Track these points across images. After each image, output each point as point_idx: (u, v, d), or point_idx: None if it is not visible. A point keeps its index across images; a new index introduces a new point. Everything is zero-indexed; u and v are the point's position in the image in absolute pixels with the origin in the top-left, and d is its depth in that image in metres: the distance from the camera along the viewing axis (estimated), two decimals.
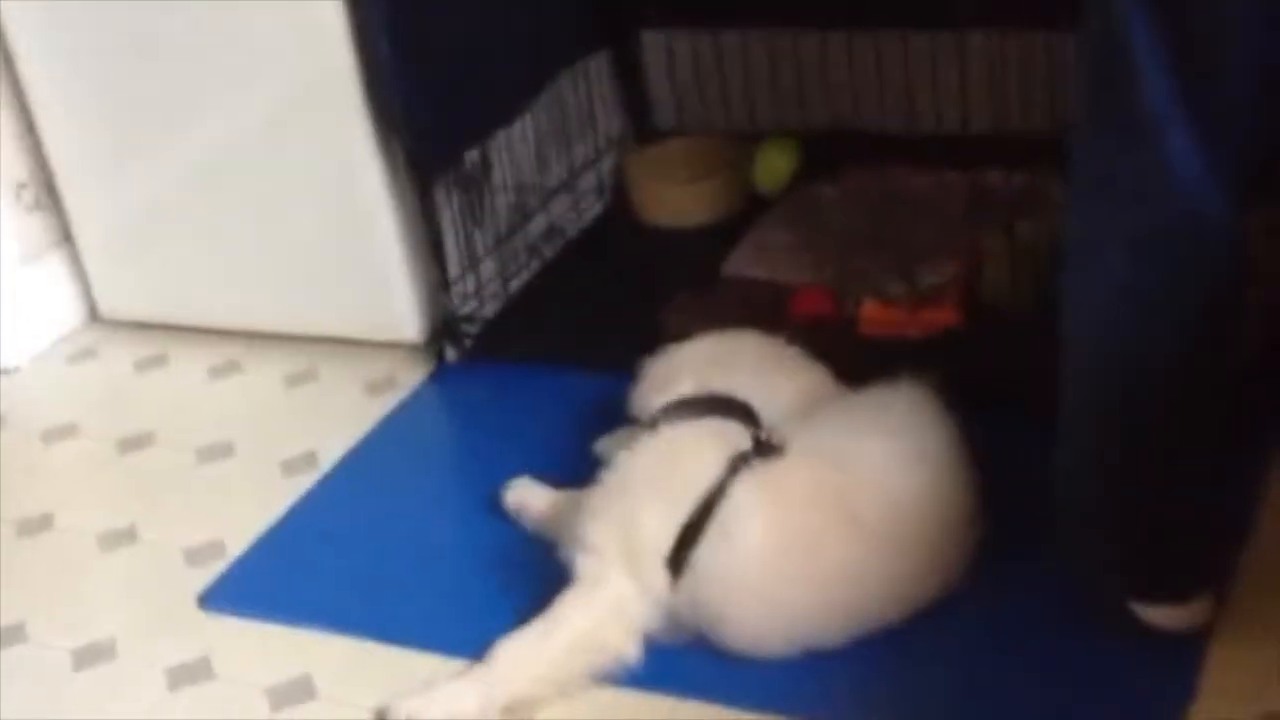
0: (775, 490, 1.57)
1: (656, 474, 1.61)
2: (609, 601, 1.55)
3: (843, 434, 1.64)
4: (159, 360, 2.30)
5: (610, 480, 1.63)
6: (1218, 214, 1.35)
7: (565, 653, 1.54)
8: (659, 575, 1.55)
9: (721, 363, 1.73)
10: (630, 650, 1.55)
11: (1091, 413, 1.47)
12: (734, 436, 1.61)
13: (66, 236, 2.36)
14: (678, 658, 1.58)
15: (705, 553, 1.55)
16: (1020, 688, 1.51)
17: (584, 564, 1.58)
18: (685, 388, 1.69)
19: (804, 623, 1.55)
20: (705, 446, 1.60)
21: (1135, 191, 1.36)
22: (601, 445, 1.84)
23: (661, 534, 1.56)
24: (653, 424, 1.67)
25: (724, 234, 2.24)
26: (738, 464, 1.57)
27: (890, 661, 1.55)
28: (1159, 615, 1.51)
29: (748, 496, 1.56)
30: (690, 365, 1.74)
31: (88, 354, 2.36)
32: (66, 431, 2.17)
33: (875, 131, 2.36)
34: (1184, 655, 1.50)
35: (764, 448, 1.60)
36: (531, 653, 1.55)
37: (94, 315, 2.40)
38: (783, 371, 1.75)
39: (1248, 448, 1.70)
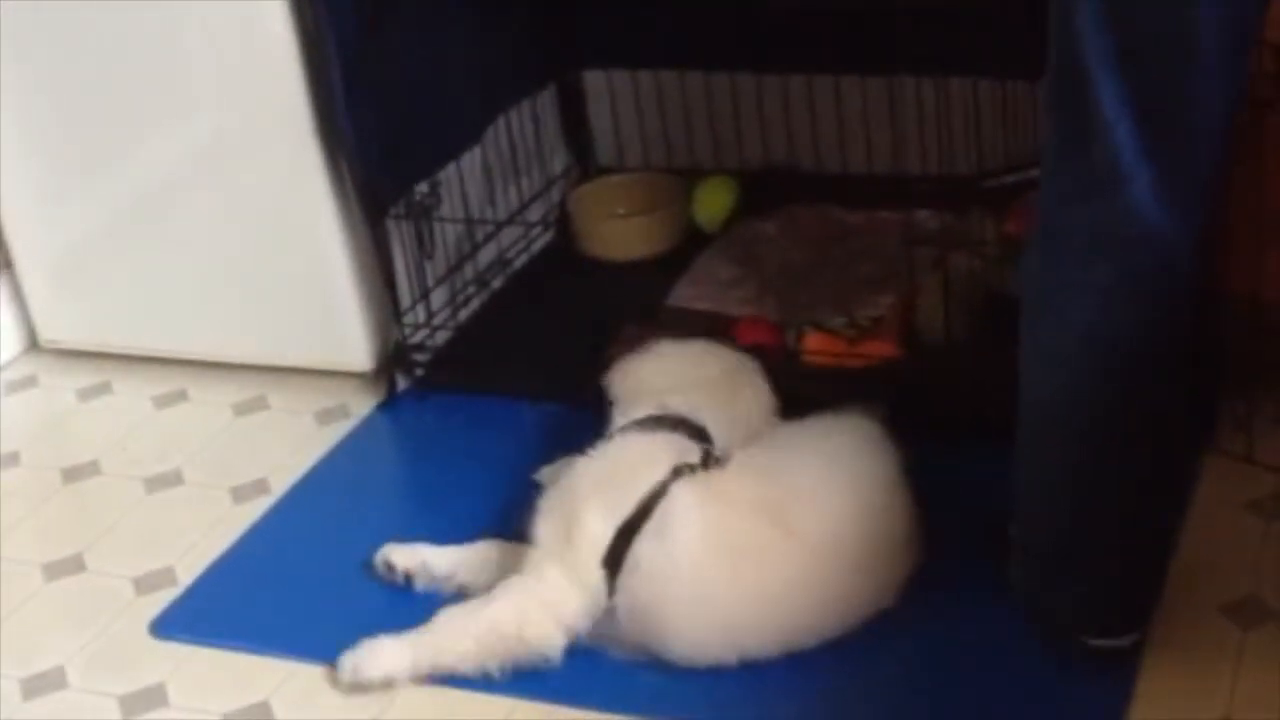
0: (713, 495, 1.62)
1: (603, 476, 1.66)
2: (538, 594, 1.61)
3: (785, 453, 1.70)
4: (102, 389, 2.29)
5: (562, 483, 1.69)
6: (1180, 261, 1.39)
7: (488, 636, 1.61)
8: (595, 572, 1.60)
9: (682, 386, 1.78)
10: (553, 645, 1.60)
11: (1049, 458, 1.50)
12: (684, 448, 1.67)
13: (7, 264, 2.34)
14: (613, 670, 1.62)
15: (641, 550, 1.60)
16: (959, 704, 1.56)
17: (528, 556, 1.64)
18: (647, 408, 1.74)
19: (737, 629, 1.60)
20: (653, 453, 1.66)
21: (1099, 240, 1.38)
22: (543, 474, 1.88)
23: (601, 532, 1.61)
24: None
25: (665, 268, 2.30)
26: (681, 470, 1.63)
27: (828, 676, 1.59)
28: (1101, 641, 1.56)
29: (686, 498, 1.61)
30: (651, 388, 1.78)
31: (28, 383, 2.33)
32: (8, 461, 2.15)
33: (810, 171, 2.44)
34: (1119, 670, 1.55)
35: (710, 460, 1.66)
36: (461, 629, 1.63)
37: (34, 343, 2.38)
38: (741, 398, 1.80)
39: (1186, 468, 1.77)
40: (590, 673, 1.62)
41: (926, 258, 2.14)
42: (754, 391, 1.82)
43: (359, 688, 1.64)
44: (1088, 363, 1.43)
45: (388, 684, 1.63)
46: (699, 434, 1.70)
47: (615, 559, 1.60)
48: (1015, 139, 2.20)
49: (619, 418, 1.76)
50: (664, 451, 1.66)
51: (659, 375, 1.81)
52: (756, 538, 1.60)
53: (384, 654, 1.64)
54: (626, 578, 1.60)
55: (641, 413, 1.73)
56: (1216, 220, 1.44)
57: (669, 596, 1.59)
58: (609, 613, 1.62)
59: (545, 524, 1.65)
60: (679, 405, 1.73)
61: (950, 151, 2.32)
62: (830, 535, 1.60)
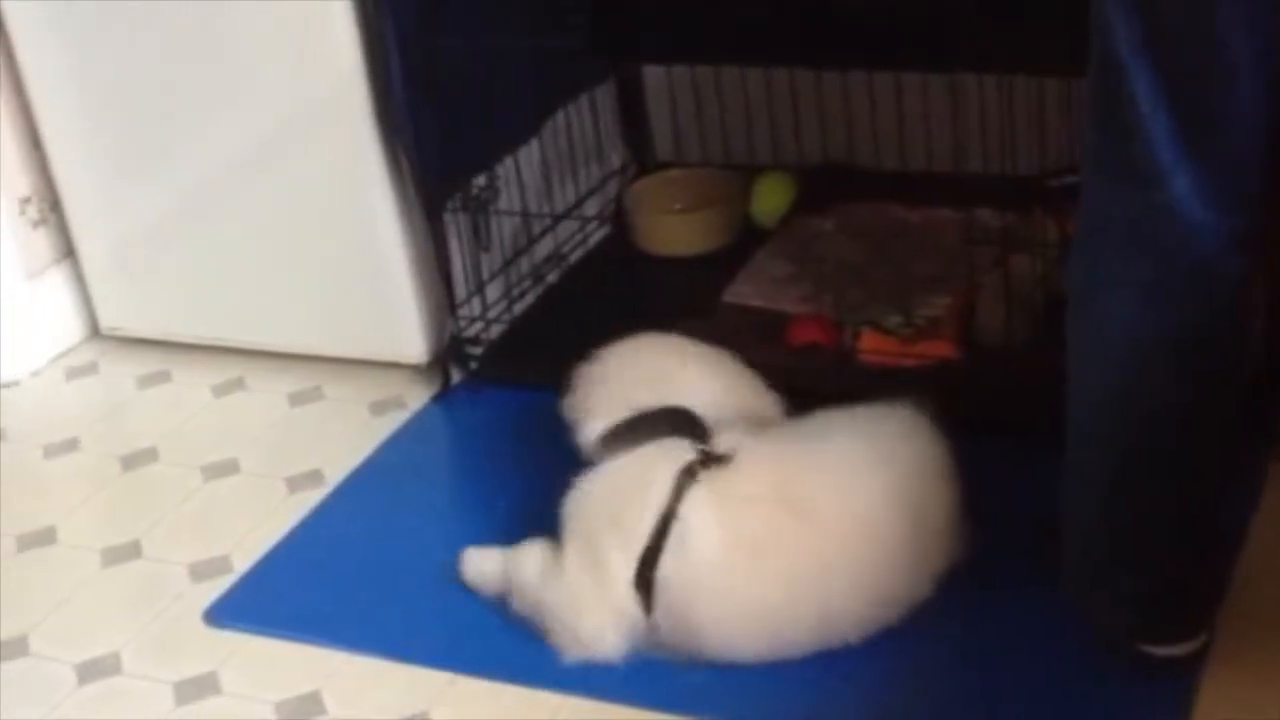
0: (724, 496, 1.60)
1: (611, 510, 1.64)
2: (593, 591, 1.62)
3: (808, 439, 1.68)
4: (161, 377, 2.31)
5: (570, 518, 1.67)
6: (1223, 260, 1.36)
7: (543, 611, 1.66)
8: (630, 601, 1.60)
9: (650, 378, 1.74)
10: (606, 644, 1.62)
11: (1097, 461, 1.48)
12: (679, 453, 1.64)
13: (70, 252, 2.38)
14: (660, 668, 1.61)
15: (667, 570, 1.60)
16: (1008, 715, 1.54)
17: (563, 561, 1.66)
18: (620, 412, 1.70)
19: (771, 621, 1.59)
20: (653, 470, 1.63)
21: (1139, 238, 1.37)
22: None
23: (624, 567, 1.60)
24: (600, 453, 1.69)
25: (721, 263, 2.28)
26: (683, 480, 1.61)
27: (873, 677, 1.58)
28: (1159, 648, 1.53)
29: (699, 510, 1.60)
30: (619, 387, 1.74)
31: (89, 370, 2.36)
32: (68, 446, 2.18)
33: (869, 168, 2.42)
34: (1178, 681, 1.52)
35: (710, 459, 1.63)
36: (530, 580, 1.68)
37: (95, 331, 2.41)
38: (711, 372, 1.77)
39: (1247, 473, 1.74)
40: (637, 671, 1.62)
41: (987, 257, 2.11)
42: (718, 362, 1.77)
43: (415, 676, 1.66)
44: (1130, 361, 1.41)
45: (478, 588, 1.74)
46: (688, 421, 1.66)
47: (645, 584, 1.60)
48: (1079, 138, 2.16)
49: (590, 430, 1.71)
50: (663, 464, 1.62)
51: (620, 373, 1.76)
52: (776, 530, 1.58)
53: (486, 563, 1.75)
54: (660, 597, 1.60)
55: (614, 419, 1.69)
56: (1266, 221, 1.40)
57: (702, 607, 1.59)
58: (651, 626, 1.62)
59: (572, 553, 1.65)
60: (648, 398, 1.69)
61: (1013, 150, 2.30)
62: (854, 520, 1.58)
